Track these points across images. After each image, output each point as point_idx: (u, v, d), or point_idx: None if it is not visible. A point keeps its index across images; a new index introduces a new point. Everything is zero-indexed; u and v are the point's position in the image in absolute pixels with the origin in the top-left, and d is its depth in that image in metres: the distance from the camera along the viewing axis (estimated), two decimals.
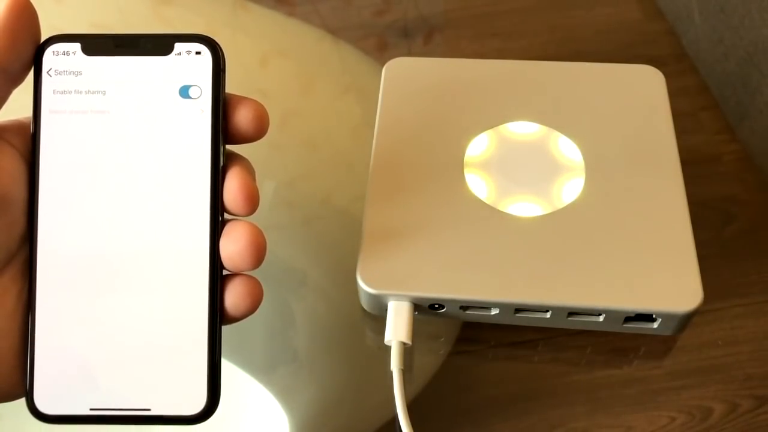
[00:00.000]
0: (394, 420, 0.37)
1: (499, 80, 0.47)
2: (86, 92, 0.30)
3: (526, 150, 0.44)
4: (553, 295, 0.38)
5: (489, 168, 0.43)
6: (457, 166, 0.43)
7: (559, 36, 0.58)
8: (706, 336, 0.42)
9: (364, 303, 0.40)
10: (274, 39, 0.59)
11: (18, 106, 0.31)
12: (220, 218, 0.30)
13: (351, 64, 0.57)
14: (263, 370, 0.43)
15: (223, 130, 0.31)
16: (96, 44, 0.31)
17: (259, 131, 0.31)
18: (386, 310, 0.39)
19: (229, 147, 0.32)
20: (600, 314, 0.38)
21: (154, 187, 0.30)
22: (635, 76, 0.47)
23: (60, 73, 0.30)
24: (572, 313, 0.39)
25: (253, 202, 0.30)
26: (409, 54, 0.56)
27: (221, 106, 0.31)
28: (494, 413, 0.40)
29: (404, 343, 0.38)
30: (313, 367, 0.43)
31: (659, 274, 0.39)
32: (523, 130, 0.45)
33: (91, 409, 0.30)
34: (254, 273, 0.31)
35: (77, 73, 0.30)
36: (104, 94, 0.30)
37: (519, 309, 0.39)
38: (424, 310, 0.39)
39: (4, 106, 0.30)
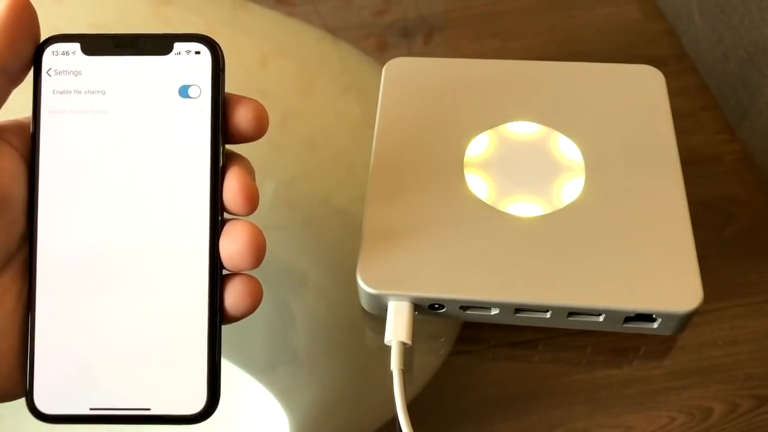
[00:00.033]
0: (394, 420, 0.37)
1: (499, 80, 0.47)
2: (86, 92, 0.30)
3: (526, 150, 0.44)
4: (553, 295, 0.38)
5: (489, 168, 0.43)
6: (457, 166, 0.43)
7: (559, 36, 0.58)
8: (706, 336, 0.42)
9: (364, 303, 0.40)
10: (274, 39, 0.59)
11: (18, 106, 0.31)
12: (219, 218, 0.30)
13: (351, 64, 0.57)
14: (263, 370, 0.43)
15: (222, 130, 0.31)
16: (95, 44, 0.31)
17: (258, 131, 0.31)
18: (386, 310, 0.39)
19: (228, 146, 0.32)
20: (600, 314, 0.38)
21: (153, 186, 0.30)
22: (635, 76, 0.47)
23: (59, 73, 0.30)
24: (572, 313, 0.39)
25: (252, 202, 0.30)
26: (409, 54, 0.56)
27: (221, 105, 0.31)
28: (494, 413, 0.40)
29: (404, 343, 0.38)
30: (313, 367, 0.43)
31: (659, 274, 0.39)
32: (523, 130, 0.45)
33: (91, 409, 0.30)
34: (254, 273, 0.31)
35: (77, 73, 0.30)
36: (104, 94, 0.30)
37: (519, 309, 0.39)
38: (424, 310, 0.39)
39: (4, 106, 0.30)
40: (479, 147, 0.44)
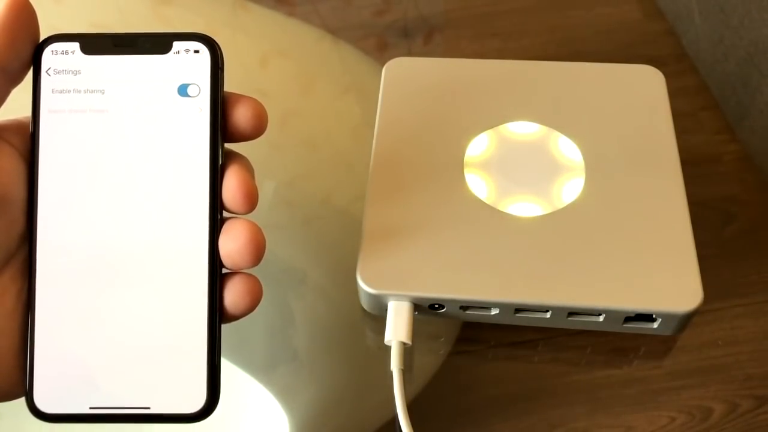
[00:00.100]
0: (394, 420, 0.37)
1: (499, 80, 0.47)
2: (85, 91, 0.30)
3: (526, 150, 0.44)
4: (553, 295, 0.38)
5: (489, 168, 0.43)
6: (457, 166, 0.43)
7: (559, 36, 0.58)
8: (706, 336, 0.42)
9: (364, 303, 0.40)
10: (274, 39, 0.59)
11: (17, 105, 0.31)
12: (219, 216, 0.30)
13: (351, 64, 0.57)
14: (263, 369, 0.43)
15: (221, 129, 0.31)
16: (95, 43, 0.31)
17: (257, 129, 0.31)
18: (386, 310, 0.39)
19: (228, 145, 0.32)
20: (600, 314, 0.38)
21: (153, 185, 0.30)
22: (635, 76, 0.47)
23: (59, 73, 0.30)
24: (572, 313, 0.39)
25: (252, 200, 0.30)
26: (409, 54, 0.56)
27: (220, 104, 0.31)
28: (494, 413, 0.40)
29: (404, 343, 0.38)
30: (313, 367, 0.43)
31: (659, 274, 0.38)
32: (523, 130, 0.45)
33: (91, 408, 0.30)
34: (254, 273, 0.31)
35: (76, 73, 0.30)
36: (103, 93, 0.30)
37: (519, 309, 0.39)
38: (424, 310, 0.39)
39: (3, 106, 0.30)
40: (479, 147, 0.44)
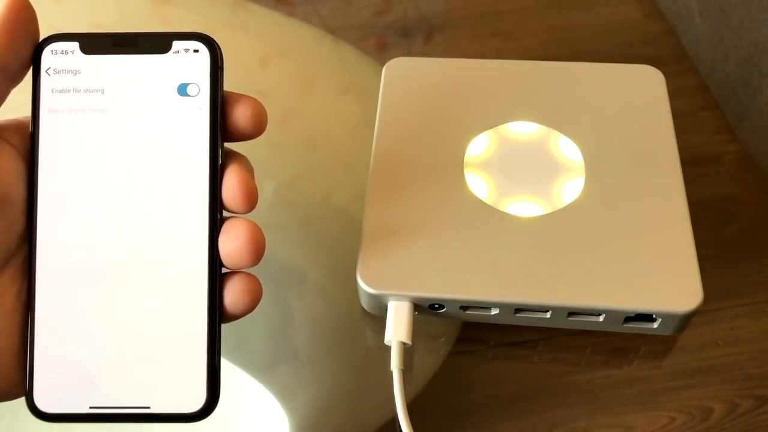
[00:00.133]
0: (394, 420, 0.37)
1: (499, 80, 0.47)
2: (85, 91, 0.30)
3: (526, 150, 0.44)
4: (553, 295, 0.38)
5: (489, 168, 0.43)
6: (457, 166, 0.43)
7: (559, 36, 0.58)
8: (706, 336, 0.42)
9: (364, 303, 0.40)
10: (274, 39, 0.59)
11: (17, 105, 0.31)
12: (218, 216, 0.30)
13: (351, 64, 0.57)
14: (263, 369, 0.43)
15: (221, 128, 0.31)
16: (94, 43, 0.31)
17: (257, 128, 0.31)
18: (386, 310, 0.39)
19: (227, 145, 0.32)
20: (600, 314, 0.38)
21: (152, 185, 0.30)
22: (635, 76, 0.47)
23: (58, 72, 0.30)
24: (572, 313, 0.39)
25: (251, 199, 0.30)
26: (409, 54, 0.56)
27: (219, 103, 0.31)
28: (494, 413, 0.40)
29: (404, 343, 0.38)
30: (313, 366, 0.43)
31: (659, 274, 0.38)
32: (523, 130, 0.45)
33: (91, 408, 0.30)
34: (254, 273, 0.31)
35: (76, 72, 0.30)
36: (103, 93, 0.30)
37: (519, 309, 0.39)
38: (424, 310, 0.39)
39: (3, 106, 0.30)
40: (479, 147, 0.44)
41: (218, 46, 0.31)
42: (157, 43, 0.31)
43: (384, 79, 0.47)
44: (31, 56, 0.30)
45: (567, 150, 0.44)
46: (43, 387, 0.30)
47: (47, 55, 0.30)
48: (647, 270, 0.39)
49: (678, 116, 0.45)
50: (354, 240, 0.40)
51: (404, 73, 0.48)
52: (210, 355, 0.30)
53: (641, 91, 0.46)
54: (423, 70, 0.48)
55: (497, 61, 0.48)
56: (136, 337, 0.30)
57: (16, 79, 0.30)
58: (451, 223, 0.41)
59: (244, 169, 0.31)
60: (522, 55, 0.56)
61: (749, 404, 0.40)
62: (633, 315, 0.38)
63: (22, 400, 0.30)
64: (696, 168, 0.45)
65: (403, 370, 0.37)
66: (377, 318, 0.40)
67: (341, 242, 0.47)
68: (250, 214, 0.31)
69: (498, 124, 0.45)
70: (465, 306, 0.39)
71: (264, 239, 0.30)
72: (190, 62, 0.30)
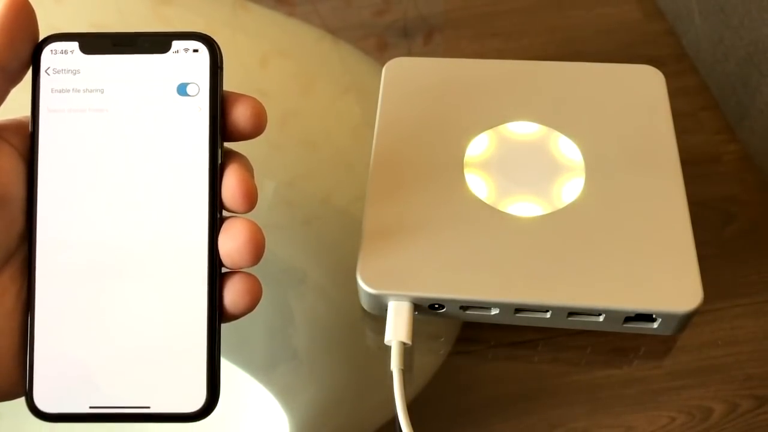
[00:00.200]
0: (394, 420, 0.37)
1: (499, 80, 0.47)
2: (84, 91, 0.30)
3: (526, 150, 0.44)
4: (553, 295, 0.38)
5: (489, 168, 0.43)
6: (457, 166, 0.43)
7: (559, 36, 0.58)
8: (706, 336, 0.42)
9: (364, 303, 0.40)
10: (274, 39, 0.59)
11: (17, 105, 0.31)
12: (218, 215, 0.30)
13: (351, 64, 0.57)
14: (263, 369, 0.43)
15: (221, 128, 0.31)
16: (94, 43, 0.31)
17: (257, 128, 0.31)
18: (386, 310, 0.39)
19: (227, 144, 0.32)
20: (600, 314, 0.38)
21: (152, 185, 0.30)
22: (635, 76, 0.47)
23: (58, 72, 0.30)
24: (572, 313, 0.39)
25: (251, 199, 0.30)
26: (409, 54, 0.56)
27: (219, 103, 0.31)
28: (494, 413, 0.40)
29: (404, 343, 0.38)
30: (313, 366, 0.43)
31: (659, 274, 0.38)
32: (523, 130, 0.45)
33: (91, 408, 0.30)
34: (254, 272, 0.31)
35: (75, 72, 0.30)
36: (102, 93, 0.30)
37: (519, 309, 0.39)
38: (424, 310, 0.39)
39: (3, 105, 0.30)
40: (479, 147, 0.44)
41: (218, 45, 0.31)
42: (156, 42, 0.31)
43: (384, 79, 0.47)
44: (30, 56, 0.30)
45: (567, 150, 0.44)
46: (43, 387, 0.30)
47: (47, 55, 0.30)
48: (647, 270, 0.39)
49: (678, 116, 0.45)
50: (354, 240, 0.40)
51: (404, 73, 0.48)
52: (210, 354, 0.30)
53: (641, 91, 0.46)
54: (423, 70, 0.48)
55: (497, 61, 0.48)
56: (136, 336, 0.30)
57: (15, 79, 0.30)
58: (451, 223, 0.41)
59: (243, 169, 0.31)
60: (522, 55, 0.56)
61: (749, 404, 0.40)
62: (633, 315, 0.38)
63: (22, 400, 0.30)
64: (696, 168, 0.45)
65: (403, 370, 0.37)
66: (377, 318, 0.40)
67: (341, 242, 0.47)
68: (250, 213, 0.31)
69: (498, 124, 0.45)
70: (465, 306, 0.39)
71: (264, 239, 0.30)
72: (189, 62, 0.30)
